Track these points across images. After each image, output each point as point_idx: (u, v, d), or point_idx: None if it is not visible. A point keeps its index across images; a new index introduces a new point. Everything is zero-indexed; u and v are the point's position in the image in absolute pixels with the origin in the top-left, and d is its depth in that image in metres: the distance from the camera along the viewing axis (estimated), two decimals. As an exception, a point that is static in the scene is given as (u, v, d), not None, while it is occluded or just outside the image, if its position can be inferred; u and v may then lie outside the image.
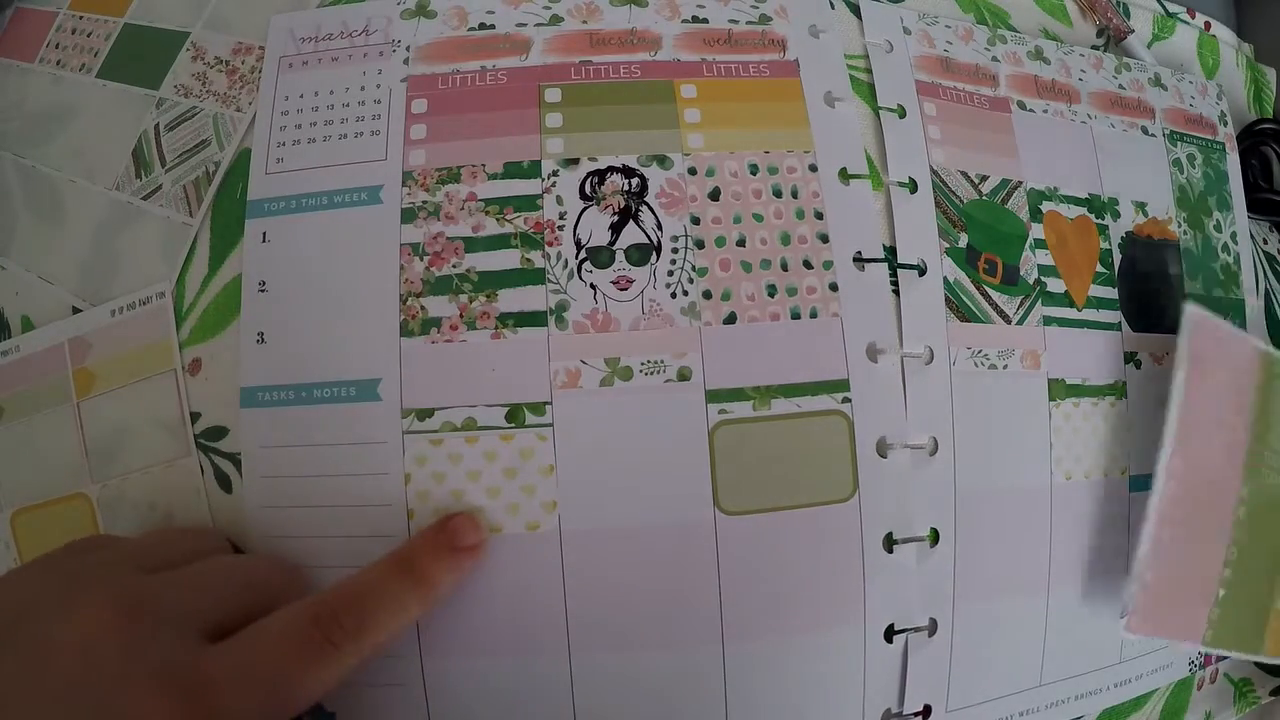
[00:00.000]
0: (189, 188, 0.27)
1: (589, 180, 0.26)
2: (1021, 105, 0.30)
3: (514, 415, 0.24)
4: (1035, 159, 0.30)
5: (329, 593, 0.20)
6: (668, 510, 0.24)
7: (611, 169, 0.26)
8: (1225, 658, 0.32)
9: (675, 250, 0.25)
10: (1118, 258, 0.30)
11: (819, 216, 0.26)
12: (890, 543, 0.25)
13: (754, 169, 0.26)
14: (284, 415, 0.24)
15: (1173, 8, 0.37)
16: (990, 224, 0.28)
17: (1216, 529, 0.28)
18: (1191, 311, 0.27)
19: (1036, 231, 0.29)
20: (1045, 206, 0.29)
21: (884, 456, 0.25)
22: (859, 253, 0.26)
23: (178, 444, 0.25)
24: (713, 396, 0.24)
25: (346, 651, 0.19)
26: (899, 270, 0.26)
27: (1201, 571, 0.28)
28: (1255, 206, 0.36)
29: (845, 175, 0.27)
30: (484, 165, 0.26)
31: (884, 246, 0.26)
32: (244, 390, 0.25)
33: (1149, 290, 0.31)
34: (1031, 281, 0.28)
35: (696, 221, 0.26)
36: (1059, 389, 0.28)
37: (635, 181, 0.26)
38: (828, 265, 0.26)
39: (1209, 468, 0.28)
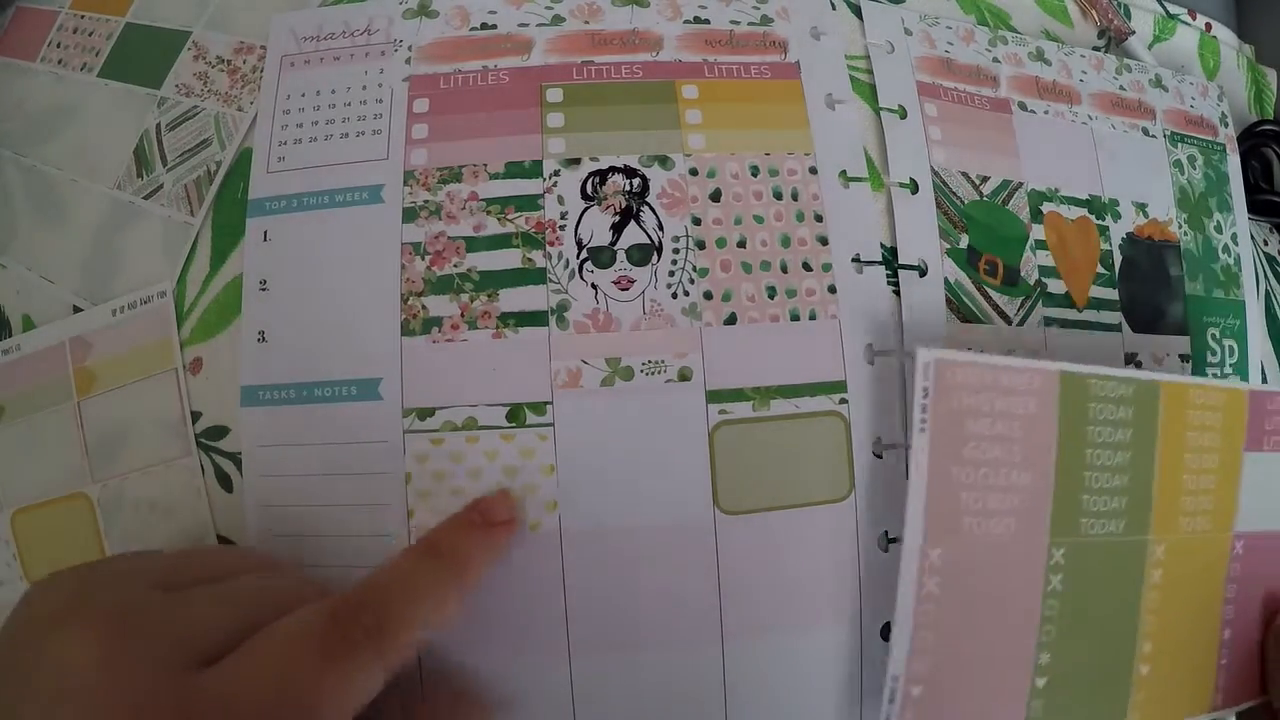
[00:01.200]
0: (190, 187, 0.27)
1: (590, 180, 0.26)
2: (1022, 106, 0.30)
3: (515, 415, 0.24)
4: (1036, 160, 0.30)
5: (353, 589, 0.18)
6: (668, 510, 0.24)
7: (613, 169, 0.26)
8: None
9: (676, 251, 0.25)
10: (1118, 259, 0.30)
11: (819, 219, 0.26)
12: (887, 542, 0.25)
13: (755, 170, 0.26)
14: (285, 414, 0.24)
15: (1173, 9, 0.37)
16: (991, 225, 0.28)
17: (1018, 613, 0.23)
18: (925, 356, 0.22)
19: (1037, 232, 0.29)
20: (1046, 207, 0.29)
21: (880, 457, 0.25)
22: (858, 255, 0.26)
23: (178, 443, 0.25)
24: (713, 397, 0.24)
25: (367, 651, 0.17)
26: (900, 271, 0.26)
27: (1001, 667, 0.23)
28: (1256, 208, 0.36)
29: (845, 178, 0.27)
30: (485, 165, 0.26)
31: (884, 247, 0.27)
32: (245, 389, 0.25)
33: (1149, 291, 0.31)
34: (1032, 282, 0.28)
35: (697, 222, 0.26)
36: (1059, 390, 0.28)
37: (636, 182, 0.26)
38: (827, 268, 0.26)
39: (989, 545, 0.23)
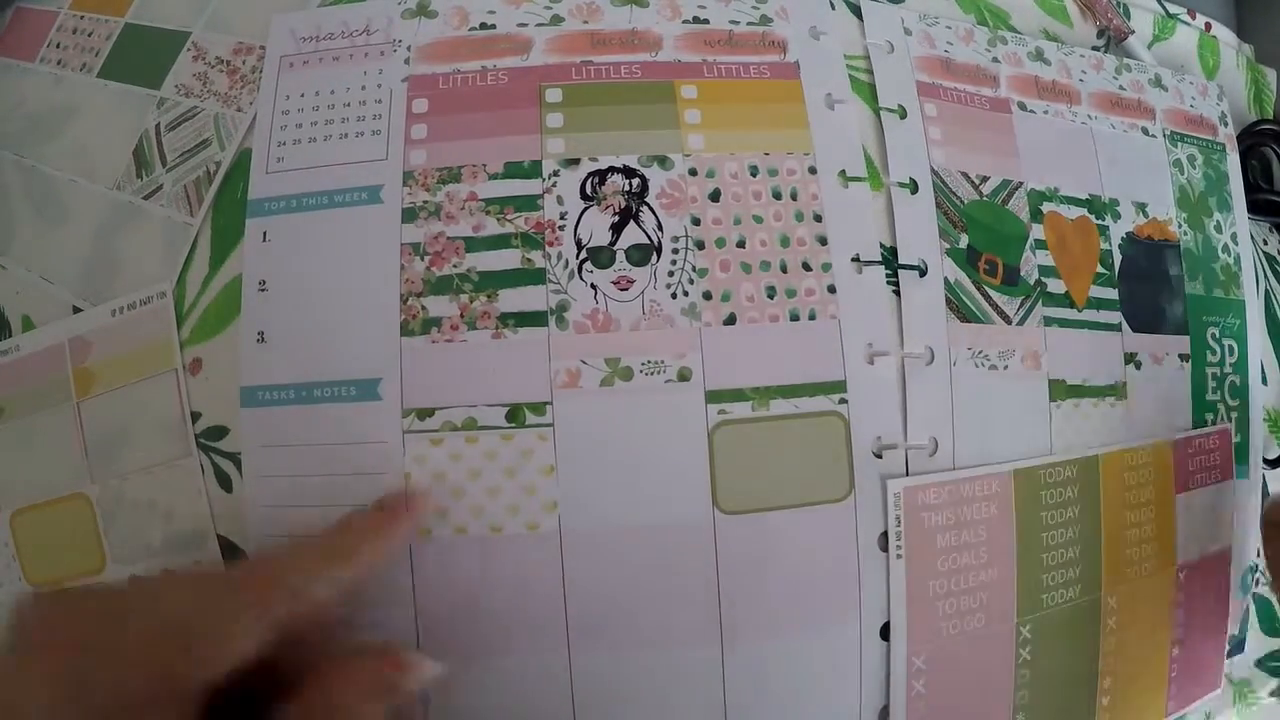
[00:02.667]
0: (190, 187, 0.27)
1: (590, 180, 0.26)
2: (1022, 106, 0.30)
3: (514, 415, 0.24)
4: (1036, 160, 0.30)
5: (260, 554, 0.24)
6: (667, 510, 0.24)
7: (612, 169, 0.26)
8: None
9: (676, 251, 0.25)
10: (1118, 258, 0.30)
11: (818, 219, 0.26)
12: (886, 541, 0.25)
13: (754, 170, 0.26)
14: (284, 415, 0.24)
15: (1173, 9, 0.37)
16: (991, 224, 0.28)
17: (994, 689, 0.26)
18: (894, 487, 0.24)
19: (1037, 232, 0.29)
20: (1046, 207, 0.29)
21: (879, 457, 0.25)
22: (857, 255, 0.26)
23: (178, 444, 0.25)
24: (712, 397, 0.24)
25: (257, 600, 0.20)
26: (900, 271, 0.26)
27: None
28: (1255, 207, 0.36)
29: (845, 178, 0.27)
30: (484, 165, 0.26)
31: (884, 247, 0.27)
32: (244, 390, 0.25)
33: (1149, 291, 0.31)
34: (1032, 282, 0.28)
35: (697, 222, 0.26)
36: (1059, 389, 0.28)
37: (636, 182, 0.26)
38: (826, 267, 0.26)
39: (965, 641, 0.25)
